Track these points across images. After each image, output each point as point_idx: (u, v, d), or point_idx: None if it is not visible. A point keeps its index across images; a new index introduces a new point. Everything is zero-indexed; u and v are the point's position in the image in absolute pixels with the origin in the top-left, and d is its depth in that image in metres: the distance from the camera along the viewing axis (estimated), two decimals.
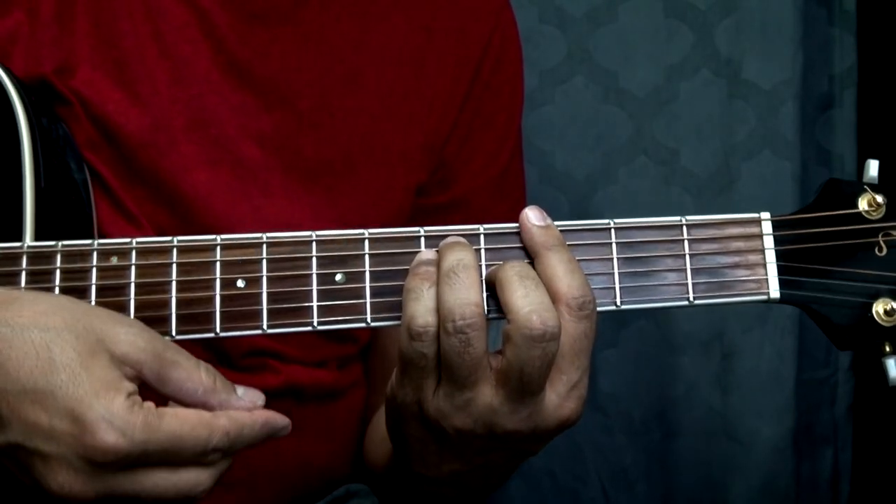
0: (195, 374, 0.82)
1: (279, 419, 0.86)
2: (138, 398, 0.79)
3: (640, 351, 1.71)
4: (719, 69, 1.68)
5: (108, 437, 0.76)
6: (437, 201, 1.19)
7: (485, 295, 0.88)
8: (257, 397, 0.85)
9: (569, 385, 0.87)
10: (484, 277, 0.89)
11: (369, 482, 1.21)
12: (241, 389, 0.84)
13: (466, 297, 0.84)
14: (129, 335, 0.80)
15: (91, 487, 0.77)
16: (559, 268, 0.87)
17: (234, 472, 1.04)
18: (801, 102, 1.67)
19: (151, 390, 0.81)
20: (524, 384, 0.84)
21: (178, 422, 0.79)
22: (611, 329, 1.70)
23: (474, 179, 1.21)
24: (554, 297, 0.86)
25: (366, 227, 1.09)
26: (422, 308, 0.85)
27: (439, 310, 0.84)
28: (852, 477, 1.73)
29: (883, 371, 0.90)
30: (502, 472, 1.00)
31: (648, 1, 1.68)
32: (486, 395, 0.85)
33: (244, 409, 0.84)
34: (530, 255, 0.90)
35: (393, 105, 1.14)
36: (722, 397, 1.70)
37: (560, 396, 0.87)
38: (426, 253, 0.89)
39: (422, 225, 1.16)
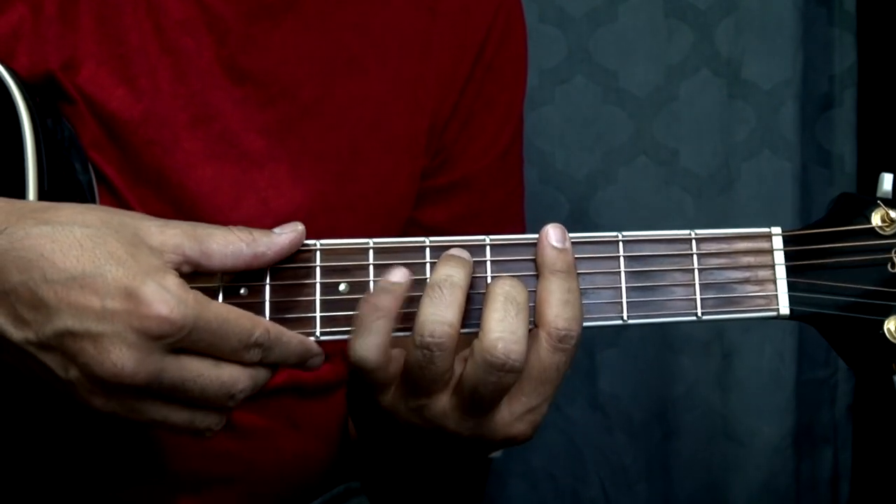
0: (231, 236, 0.84)
1: (315, 346, 0.87)
2: (186, 283, 0.80)
3: (640, 351, 1.71)
4: (719, 69, 1.68)
5: (163, 308, 0.77)
6: (438, 183, 1.18)
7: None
8: (294, 225, 0.87)
9: (526, 408, 0.87)
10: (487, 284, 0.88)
11: (362, 480, 1.21)
12: (277, 228, 0.86)
13: (442, 315, 0.83)
14: (159, 226, 0.82)
15: (143, 367, 0.78)
16: (556, 294, 0.86)
17: (233, 468, 1.06)
18: (801, 102, 1.67)
19: (201, 271, 0.83)
20: (475, 401, 0.85)
21: (225, 308, 0.81)
22: (611, 329, 1.69)
23: (475, 162, 1.19)
24: (539, 320, 0.85)
25: (372, 213, 1.09)
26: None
27: (414, 320, 0.84)
28: (852, 477, 1.73)
29: (892, 390, 0.89)
30: (450, 458, 1.00)
31: (648, 1, 1.68)
32: (442, 401, 0.86)
33: (289, 239, 0.86)
34: (537, 271, 0.89)
35: (397, 90, 1.13)
36: (722, 397, 1.70)
37: (513, 416, 0.87)
38: (397, 274, 0.86)
39: (421, 207, 1.16)
